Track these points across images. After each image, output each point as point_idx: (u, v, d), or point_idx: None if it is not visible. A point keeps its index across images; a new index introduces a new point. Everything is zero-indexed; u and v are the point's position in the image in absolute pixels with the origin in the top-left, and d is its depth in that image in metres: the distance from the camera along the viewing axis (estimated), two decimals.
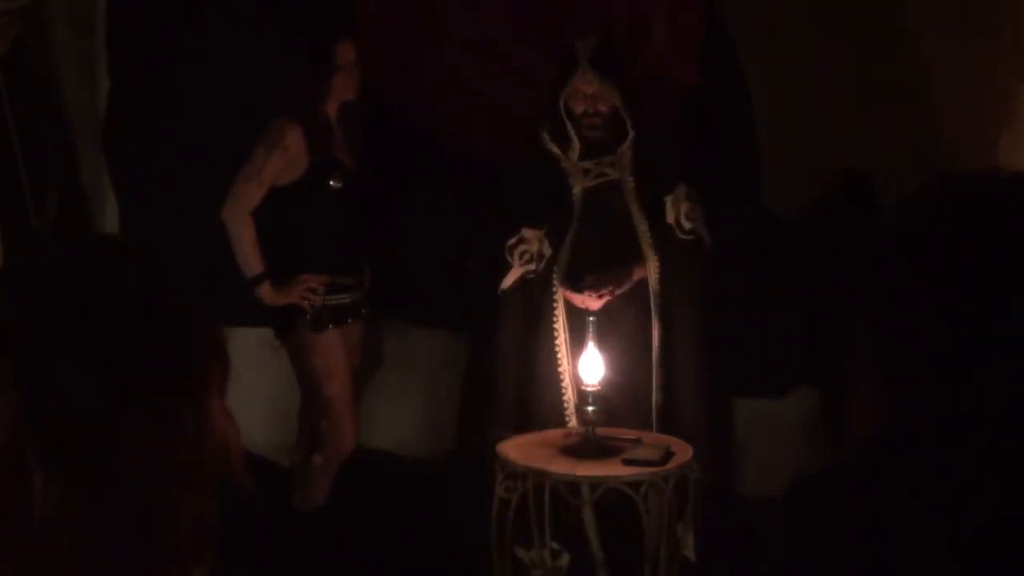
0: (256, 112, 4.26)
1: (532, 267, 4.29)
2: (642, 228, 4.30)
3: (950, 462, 1.24)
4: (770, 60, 4.67)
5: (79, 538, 1.04)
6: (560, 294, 4.27)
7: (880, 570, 1.25)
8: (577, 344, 4.13)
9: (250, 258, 4.19)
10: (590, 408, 3.81)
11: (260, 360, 4.49)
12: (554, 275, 4.28)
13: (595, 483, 3.71)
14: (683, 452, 3.82)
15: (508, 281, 4.32)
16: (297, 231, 4.31)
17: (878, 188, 4.42)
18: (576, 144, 4.31)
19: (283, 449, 4.66)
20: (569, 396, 4.23)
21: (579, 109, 4.29)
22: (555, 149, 4.34)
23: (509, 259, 4.29)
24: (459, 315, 4.74)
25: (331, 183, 4.26)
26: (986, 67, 4.35)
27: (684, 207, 4.29)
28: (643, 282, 4.28)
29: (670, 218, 4.30)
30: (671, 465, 3.74)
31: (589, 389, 3.85)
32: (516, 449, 3.86)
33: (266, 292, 4.22)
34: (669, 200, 4.30)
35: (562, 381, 4.25)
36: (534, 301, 4.33)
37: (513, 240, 4.28)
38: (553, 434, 4.06)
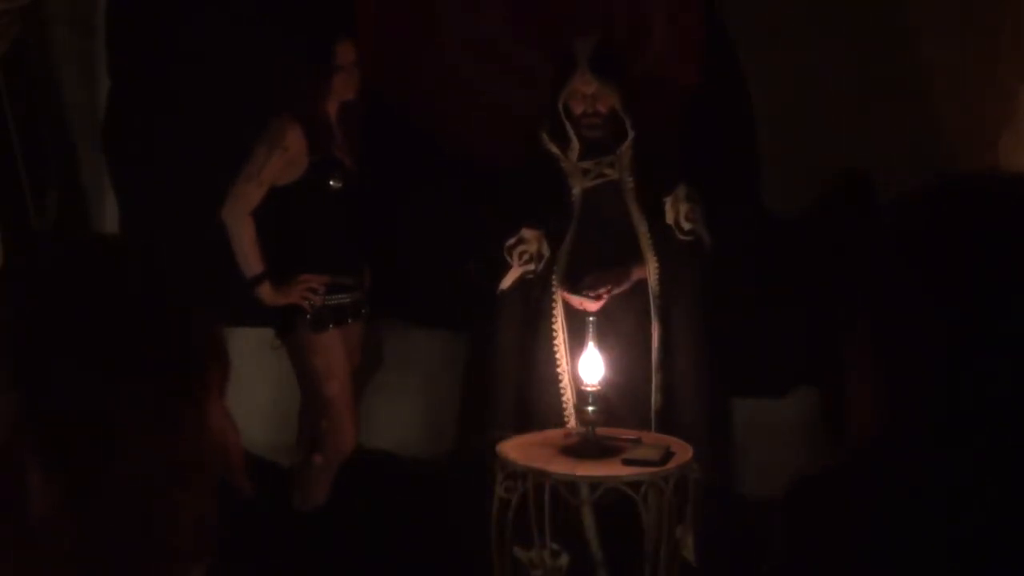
0: (256, 112, 4.26)
1: (531, 267, 4.29)
2: (641, 229, 4.30)
3: (950, 462, 1.24)
4: (770, 60, 4.68)
5: (78, 538, 1.04)
6: (559, 295, 4.27)
7: (880, 570, 1.25)
8: (576, 344, 4.13)
9: (250, 258, 4.19)
10: (590, 408, 3.81)
11: (260, 360, 4.49)
12: (553, 276, 4.28)
13: (595, 483, 3.71)
14: (683, 452, 3.82)
15: (507, 281, 4.32)
16: (297, 231, 4.31)
17: (878, 188, 4.42)
18: (575, 144, 4.31)
19: (283, 449, 4.66)
20: (568, 396, 4.23)
21: (578, 110, 4.29)
22: (555, 149, 4.34)
23: (508, 259, 4.29)
24: (459, 315, 4.75)
25: (331, 183, 4.26)
26: (986, 67, 4.35)
27: (684, 207, 4.29)
28: (643, 282, 4.28)
29: (669, 219, 4.30)
30: (671, 465, 3.74)
31: (589, 389, 3.85)
32: (516, 449, 3.86)
33: (266, 292, 4.22)
34: (669, 201, 4.30)
35: (561, 381, 4.25)
36: (533, 301, 4.33)
37: (512, 240, 4.28)
38: (553, 434, 4.06)
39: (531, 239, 4.28)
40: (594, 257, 4.25)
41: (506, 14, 4.89)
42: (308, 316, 4.25)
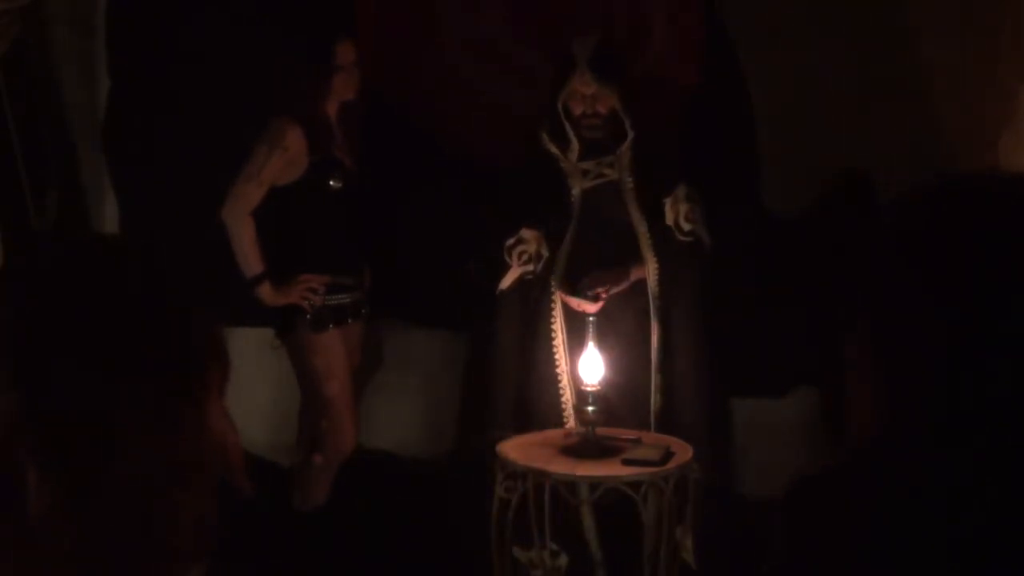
0: (256, 112, 4.26)
1: (530, 268, 4.29)
2: (641, 229, 4.30)
3: (950, 462, 1.24)
4: (770, 60, 4.68)
5: (78, 538, 1.04)
6: (558, 295, 4.27)
7: (880, 570, 1.25)
8: (575, 345, 4.13)
9: (250, 258, 4.19)
10: (590, 408, 3.81)
11: (260, 360, 4.49)
12: (552, 276, 4.28)
13: (595, 483, 3.71)
14: (683, 452, 3.82)
15: (506, 282, 4.32)
16: (297, 231, 4.31)
17: (878, 188, 4.42)
18: (575, 145, 4.31)
19: (283, 449, 4.66)
20: (567, 397, 4.23)
21: (578, 110, 4.28)
22: (554, 150, 4.34)
23: (508, 259, 4.29)
24: (459, 315, 4.75)
25: (331, 183, 4.26)
26: (986, 67, 4.35)
27: (683, 208, 4.28)
28: (643, 283, 4.28)
29: (669, 219, 4.30)
30: (671, 465, 3.74)
31: (589, 389, 3.85)
32: (516, 449, 3.86)
33: (266, 292, 4.22)
34: (668, 201, 4.30)
35: (560, 382, 4.25)
36: (532, 302, 4.33)
37: (512, 241, 4.28)
38: (553, 434, 4.06)
39: (530, 239, 4.28)
40: (593, 258, 4.25)
41: (506, 14, 4.89)
42: (308, 316, 4.25)
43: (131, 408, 1.05)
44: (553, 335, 4.26)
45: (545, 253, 4.29)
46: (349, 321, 4.37)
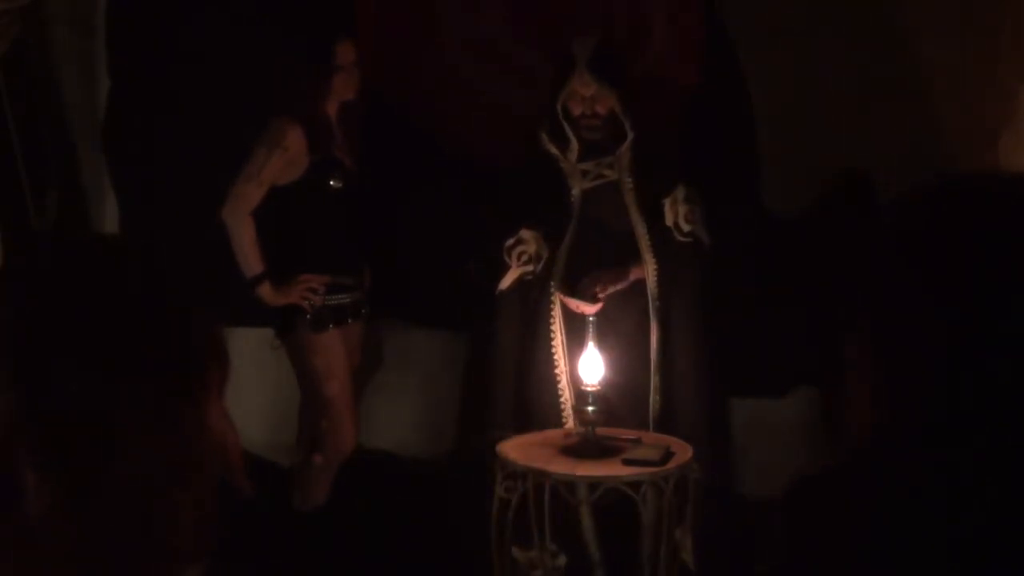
0: (256, 112, 4.26)
1: (530, 268, 4.28)
2: (640, 230, 4.29)
3: (950, 462, 1.24)
4: (770, 60, 4.67)
5: (78, 538, 1.04)
6: (557, 296, 4.27)
7: (880, 570, 1.25)
8: (575, 346, 4.13)
9: (250, 258, 4.19)
10: (590, 408, 3.81)
11: (260, 360, 4.49)
12: (551, 277, 4.28)
13: (594, 483, 3.71)
14: (683, 452, 3.82)
15: (506, 282, 4.32)
16: (297, 231, 4.31)
17: (878, 188, 4.42)
18: (575, 145, 4.31)
19: (283, 449, 4.66)
20: (566, 397, 4.22)
21: (577, 111, 4.28)
22: (554, 150, 4.33)
23: (507, 260, 4.29)
24: (459, 315, 4.75)
25: (331, 183, 4.26)
26: (986, 67, 4.35)
27: (683, 209, 4.28)
28: (642, 283, 4.28)
29: (669, 220, 4.29)
30: (671, 465, 3.74)
31: (589, 389, 3.85)
32: (516, 449, 3.86)
33: (266, 292, 4.22)
34: (668, 202, 4.30)
35: (559, 383, 4.25)
36: (532, 302, 4.33)
37: (511, 241, 4.28)
38: (553, 434, 4.06)
39: (530, 240, 4.28)
40: (593, 258, 4.25)
41: (506, 14, 4.89)
42: (308, 316, 4.25)
43: (131, 408, 1.05)
44: (552, 336, 4.26)
45: (544, 253, 4.29)
46: (349, 321, 4.37)
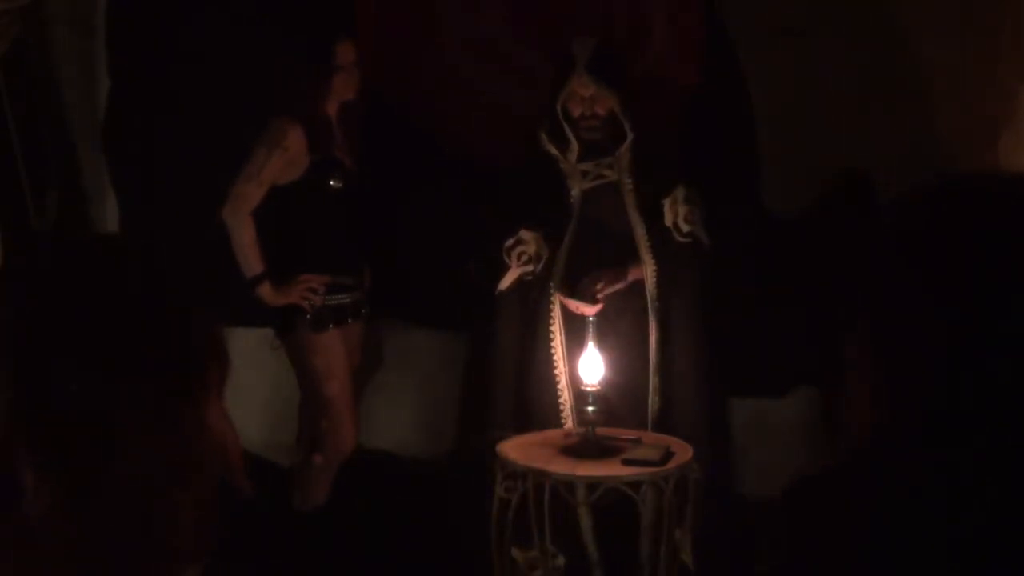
0: (256, 112, 4.26)
1: (530, 268, 4.28)
2: (640, 231, 4.29)
3: (950, 462, 1.24)
4: (770, 60, 4.67)
5: (77, 538, 1.04)
6: (556, 297, 4.26)
7: (880, 570, 1.25)
8: (574, 346, 4.13)
9: (250, 258, 4.19)
10: (590, 408, 3.81)
11: (260, 360, 4.49)
12: (551, 278, 4.28)
13: (594, 483, 3.71)
14: (683, 452, 3.82)
15: (505, 282, 4.31)
16: (297, 231, 4.31)
17: (878, 188, 4.42)
18: (574, 146, 4.30)
19: (283, 449, 4.66)
20: (565, 398, 4.22)
21: (576, 112, 4.28)
22: (553, 150, 4.33)
23: (507, 260, 4.29)
24: (459, 315, 4.74)
25: (331, 183, 4.26)
26: (986, 67, 4.35)
27: (682, 209, 4.28)
28: (641, 283, 4.28)
29: (668, 220, 4.29)
30: (671, 465, 3.74)
31: (589, 389, 3.84)
32: (516, 449, 3.86)
33: (266, 292, 4.22)
34: (667, 202, 4.29)
35: (558, 383, 4.25)
36: (531, 302, 4.32)
37: (511, 241, 4.28)
38: (553, 434, 4.06)
39: (529, 240, 4.28)
40: (593, 259, 4.24)
41: (506, 14, 4.89)
42: (308, 316, 4.25)
43: (131, 408, 1.05)
44: (552, 336, 4.26)
45: (544, 254, 4.28)
46: (349, 321, 4.38)
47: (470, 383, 4.69)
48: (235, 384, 1.16)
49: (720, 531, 4.04)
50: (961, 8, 4.41)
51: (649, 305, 4.26)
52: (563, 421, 4.21)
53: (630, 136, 4.29)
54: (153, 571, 1.07)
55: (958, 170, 2.24)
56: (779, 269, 4.58)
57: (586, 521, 3.91)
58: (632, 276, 4.26)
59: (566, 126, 4.29)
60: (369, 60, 4.46)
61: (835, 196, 4.58)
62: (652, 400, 4.25)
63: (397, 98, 4.89)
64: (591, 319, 4.04)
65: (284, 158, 4.19)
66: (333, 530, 4.35)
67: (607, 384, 3.92)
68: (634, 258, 4.27)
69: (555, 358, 4.25)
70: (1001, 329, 1.22)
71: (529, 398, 4.31)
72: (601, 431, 3.85)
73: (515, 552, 3.79)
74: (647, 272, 4.26)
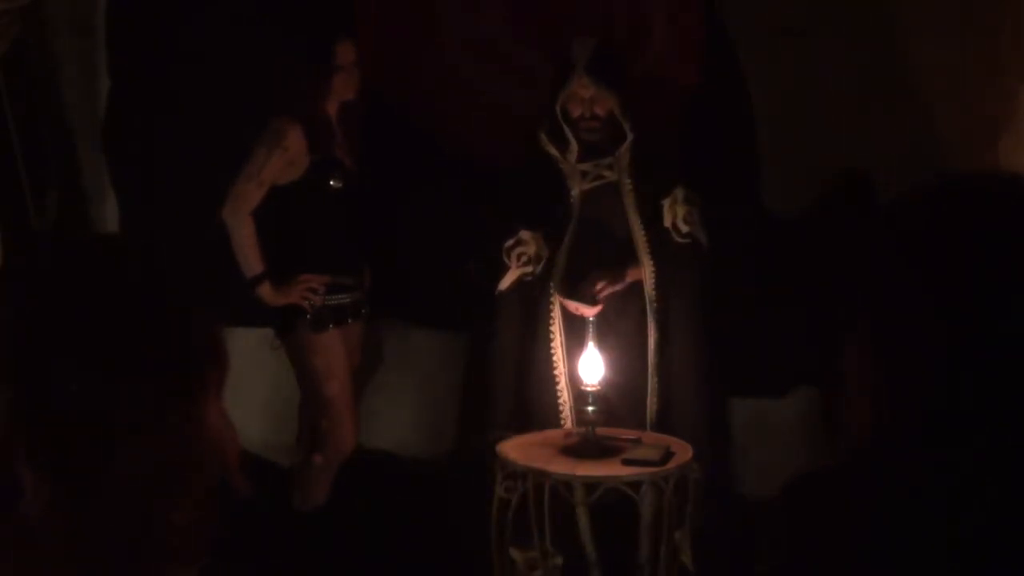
0: (256, 112, 4.26)
1: (529, 269, 4.28)
2: (639, 231, 4.29)
3: (950, 462, 1.23)
4: (770, 60, 4.67)
5: (77, 538, 1.04)
6: (556, 297, 4.26)
7: (880, 570, 1.25)
8: (574, 346, 4.13)
9: (250, 258, 4.19)
10: (590, 408, 3.81)
11: (260, 360, 4.49)
12: (550, 278, 4.28)
13: (594, 483, 3.71)
14: (683, 452, 3.82)
15: (505, 283, 4.31)
16: (297, 231, 4.31)
17: (878, 188, 4.42)
18: (574, 146, 4.30)
19: (283, 449, 4.66)
20: (565, 398, 4.22)
21: (576, 112, 4.27)
22: (553, 151, 4.33)
23: (507, 261, 4.29)
24: (459, 315, 4.74)
25: (331, 183, 4.26)
26: (986, 67, 4.35)
27: (682, 210, 4.28)
28: (641, 283, 4.28)
29: (667, 221, 4.29)
30: (671, 465, 3.74)
31: (589, 389, 3.84)
32: (516, 449, 3.86)
33: (266, 292, 4.22)
34: (667, 203, 4.29)
35: (558, 383, 4.25)
36: (531, 303, 4.32)
37: (511, 242, 4.28)
38: (553, 434, 4.06)
39: (529, 241, 4.28)
40: (592, 259, 4.24)
41: (506, 14, 4.89)
42: (308, 316, 4.25)
43: (130, 408, 1.05)
44: (551, 336, 4.26)
45: (544, 254, 4.28)
46: (349, 321, 4.37)
47: (470, 383, 4.69)
48: (235, 384, 1.16)
49: (720, 531, 4.04)
50: (961, 8, 4.41)
51: (648, 306, 4.25)
52: (563, 421, 4.21)
53: (630, 137, 4.29)
54: (152, 571, 1.07)
55: (958, 170, 2.24)
56: (779, 269, 4.58)
57: (584, 521, 3.91)
58: (631, 277, 4.26)
59: (566, 127, 4.29)
60: (369, 60, 4.46)
61: (835, 196, 4.58)
62: (651, 401, 4.25)
63: (397, 98, 4.89)
64: (591, 320, 4.04)
65: (284, 158, 4.19)
66: (333, 530, 4.35)
67: (607, 384, 3.92)
68: (634, 259, 4.27)
69: (555, 358, 4.25)
70: (1001, 329, 1.22)
71: (529, 398, 4.30)
72: (601, 431, 3.85)
73: (514, 552, 3.79)
74: (646, 273, 4.26)
